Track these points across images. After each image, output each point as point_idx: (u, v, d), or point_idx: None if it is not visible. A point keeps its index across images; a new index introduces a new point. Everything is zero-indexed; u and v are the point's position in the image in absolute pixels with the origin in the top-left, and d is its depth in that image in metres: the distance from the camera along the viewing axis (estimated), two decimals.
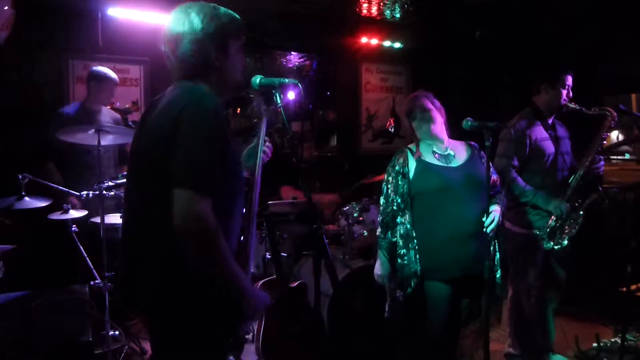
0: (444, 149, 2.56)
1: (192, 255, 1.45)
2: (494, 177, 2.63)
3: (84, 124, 3.27)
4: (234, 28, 1.67)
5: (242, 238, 1.75)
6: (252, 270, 3.53)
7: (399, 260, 2.52)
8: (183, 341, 1.58)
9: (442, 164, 2.51)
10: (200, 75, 1.64)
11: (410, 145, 2.66)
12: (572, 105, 3.03)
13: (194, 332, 1.56)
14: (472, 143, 2.64)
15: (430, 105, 2.55)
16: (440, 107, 2.60)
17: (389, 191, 2.56)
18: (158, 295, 1.56)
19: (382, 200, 2.61)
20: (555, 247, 2.94)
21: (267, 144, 2.02)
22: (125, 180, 3.20)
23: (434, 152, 2.55)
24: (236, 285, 1.53)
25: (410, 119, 2.60)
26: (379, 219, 2.62)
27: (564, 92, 3.03)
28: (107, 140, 3.23)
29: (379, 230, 2.61)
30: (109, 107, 4.00)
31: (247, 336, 1.79)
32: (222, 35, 1.63)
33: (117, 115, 4.00)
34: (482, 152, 2.42)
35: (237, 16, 1.70)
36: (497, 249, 2.46)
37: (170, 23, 1.64)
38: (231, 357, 1.81)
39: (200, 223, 1.42)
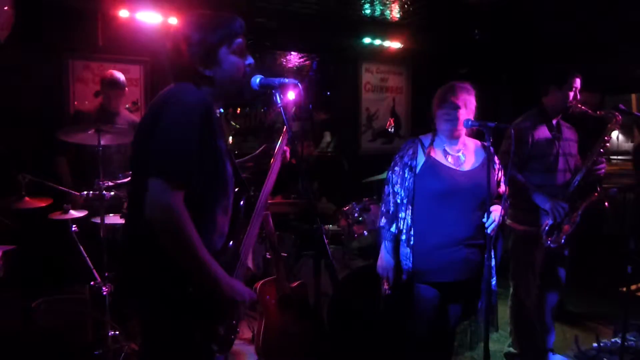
0: (457, 149, 2.46)
1: (162, 242, 1.49)
2: (503, 187, 2.55)
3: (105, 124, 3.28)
4: (221, 34, 1.65)
5: (231, 242, 1.73)
6: (252, 269, 3.55)
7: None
8: (161, 337, 1.62)
9: (451, 166, 2.42)
10: (192, 79, 1.65)
11: (422, 137, 2.54)
12: (578, 107, 3.03)
13: (170, 330, 1.60)
14: (487, 144, 2.42)
15: (461, 103, 2.40)
16: (474, 104, 2.45)
17: (395, 181, 2.48)
18: (140, 291, 1.61)
19: (387, 189, 2.52)
20: (552, 246, 2.95)
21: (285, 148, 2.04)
22: (124, 180, 3.24)
23: (445, 151, 2.46)
24: (208, 275, 1.54)
25: (438, 108, 2.44)
26: (383, 208, 2.52)
27: (571, 94, 3.04)
28: (106, 139, 3.24)
29: (383, 220, 2.51)
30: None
31: (232, 336, 1.77)
32: (206, 43, 1.63)
33: (132, 118, 4.02)
34: (495, 157, 2.29)
35: (233, 18, 1.69)
36: (493, 255, 2.39)
37: (172, 33, 1.68)
38: (221, 357, 1.81)
39: (167, 212, 1.45)
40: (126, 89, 3.92)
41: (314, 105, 5.98)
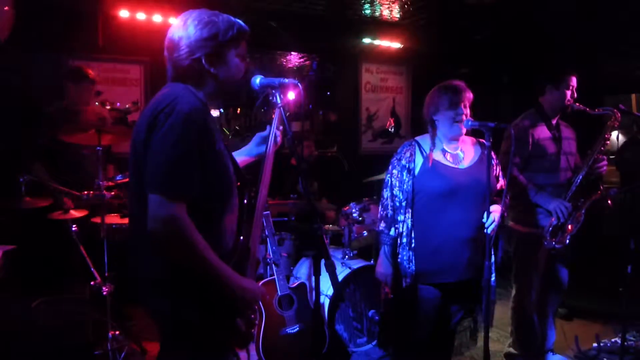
0: (454, 147, 2.46)
1: (166, 255, 1.51)
2: (502, 182, 2.56)
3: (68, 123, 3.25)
4: (232, 34, 1.65)
5: (241, 238, 1.74)
6: (261, 269, 3.54)
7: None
8: (182, 338, 1.62)
9: (450, 164, 2.42)
10: (193, 79, 1.64)
11: (419, 139, 2.53)
12: (576, 105, 3.03)
13: (190, 329, 1.60)
14: (483, 141, 2.44)
15: (468, 103, 2.40)
16: None
17: (393, 184, 2.47)
18: (155, 293, 1.60)
19: (386, 193, 2.50)
20: (557, 246, 2.95)
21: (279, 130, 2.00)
22: (122, 181, 3.22)
23: (444, 150, 2.45)
24: (219, 279, 1.55)
25: (446, 110, 2.40)
26: (382, 213, 2.51)
27: (568, 92, 3.04)
28: (107, 140, 3.24)
29: (382, 224, 2.50)
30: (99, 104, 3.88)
31: (252, 330, 1.79)
32: (217, 41, 1.63)
33: (102, 112, 3.91)
34: (492, 153, 2.27)
35: (240, 23, 1.70)
36: (493, 252, 2.38)
37: (172, 29, 1.67)
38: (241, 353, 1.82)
39: (169, 226, 1.46)
40: (91, 85, 3.74)
41: (321, 106, 6.00)
